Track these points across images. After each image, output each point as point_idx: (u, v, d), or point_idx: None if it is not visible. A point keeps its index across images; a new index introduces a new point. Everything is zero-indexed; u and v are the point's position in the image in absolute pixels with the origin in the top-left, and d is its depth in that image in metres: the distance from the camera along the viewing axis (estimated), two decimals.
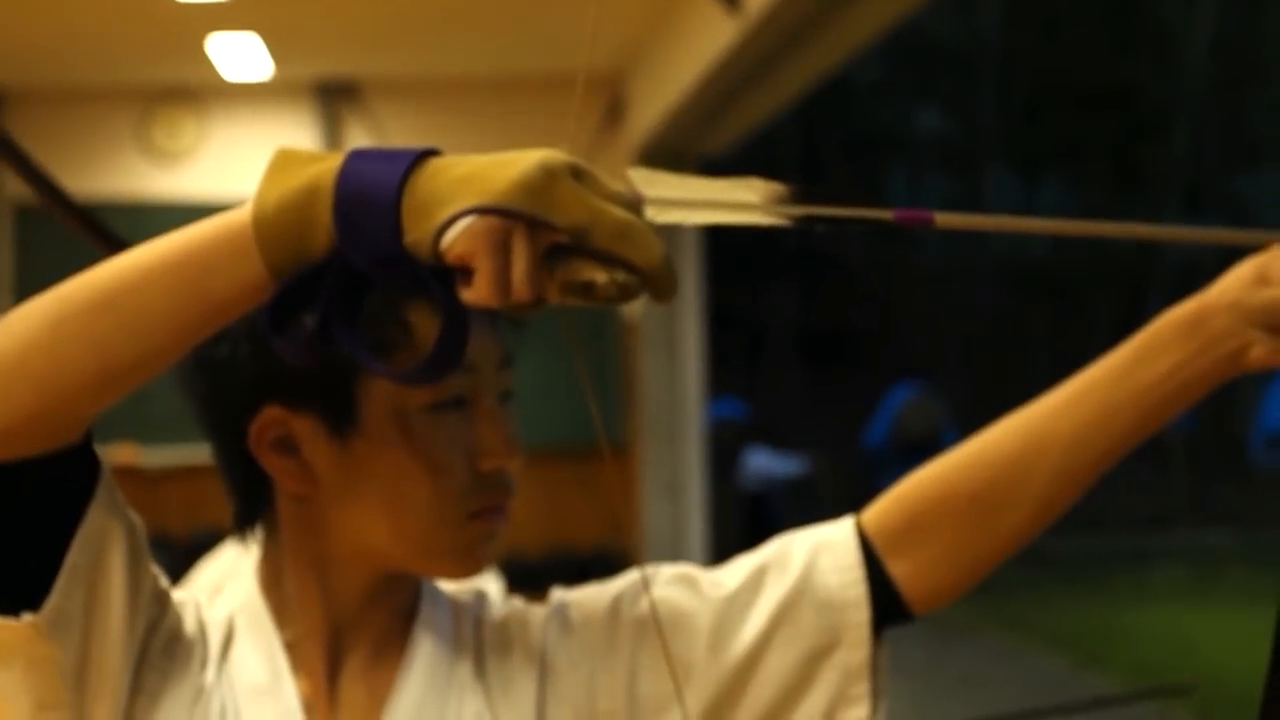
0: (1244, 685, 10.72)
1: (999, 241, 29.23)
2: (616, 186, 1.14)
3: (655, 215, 1.19)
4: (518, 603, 1.59)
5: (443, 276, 1.13)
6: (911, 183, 30.80)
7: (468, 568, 1.49)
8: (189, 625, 1.48)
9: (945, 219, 1.23)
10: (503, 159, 1.13)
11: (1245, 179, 28.41)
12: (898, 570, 1.50)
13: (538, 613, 1.56)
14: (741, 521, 16.30)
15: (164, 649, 1.44)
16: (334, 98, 10.30)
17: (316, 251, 1.15)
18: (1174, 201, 27.35)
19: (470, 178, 1.12)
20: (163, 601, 1.44)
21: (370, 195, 1.12)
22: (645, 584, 1.53)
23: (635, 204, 1.16)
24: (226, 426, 1.47)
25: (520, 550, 9.21)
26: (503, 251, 1.10)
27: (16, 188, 9.82)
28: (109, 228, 1.56)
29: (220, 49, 9.18)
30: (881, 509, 1.53)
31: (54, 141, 9.57)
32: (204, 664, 1.47)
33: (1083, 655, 12.12)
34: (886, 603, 1.50)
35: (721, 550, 15.17)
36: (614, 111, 10.41)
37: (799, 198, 1.21)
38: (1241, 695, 10.79)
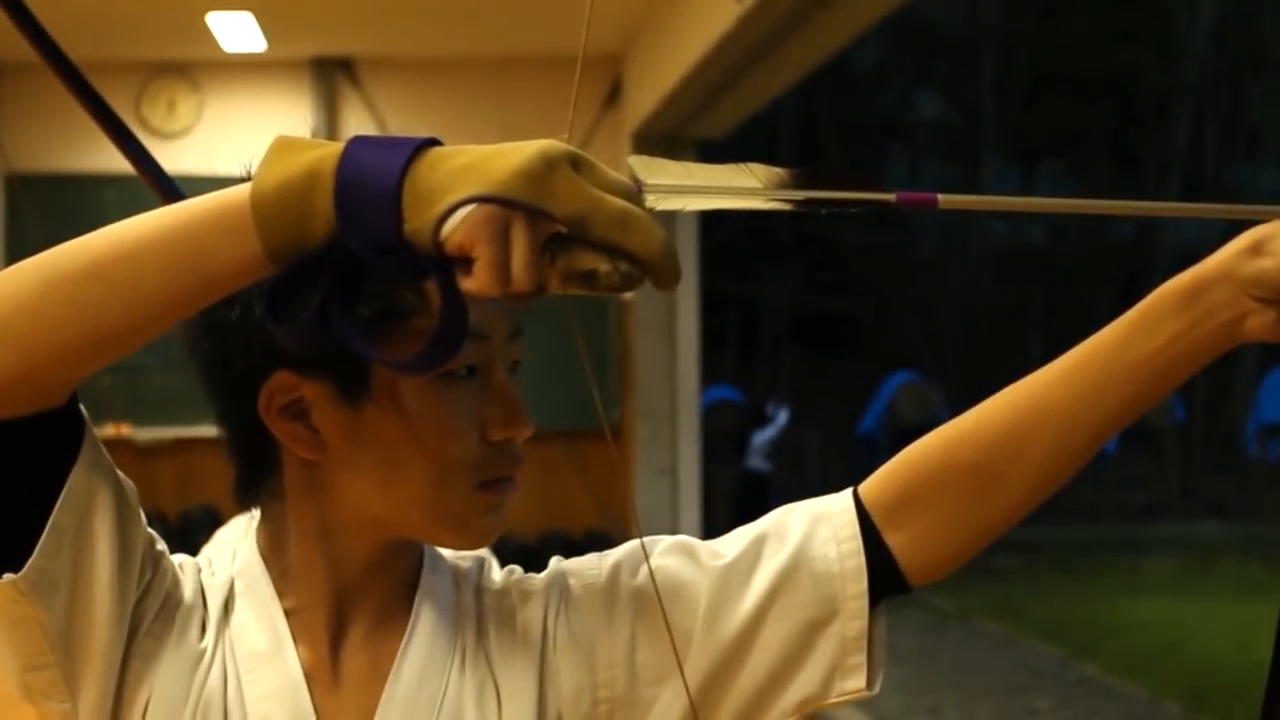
0: (1234, 675, 10.77)
1: (996, 228, 29.27)
2: (616, 175, 1.15)
3: (655, 203, 1.20)
4: (517, 571, 1.58)
5: (442, 266, 1.14)
6: (910, 168, 30.79)
7: (475, 537, 1.47)
8: (187, 590, 1.47)
9: (948, 200, 1.23)
10: (503, 149, 1.14)
11: (1244, 168, 28.44)
12: (895, 541, 1.49)
13: (537, 582, 1.55)
14: (738, 503, 16.36)
15: (160, 613, 1.43)
16: (330, 76, 10.30)
17: (316, 237, 1.16)
18: (1173, 190, 27.36)
19: (470, 167, 1.13)
20: (158, 565, 1.43)
21: (371, 183, 1.13)
22: (645, 554, 1.52)
23: (635, 193, 1.17)
24: (235, 390, 1.45)
25: (514, 532, 9.23)
26: (503, 240, 1.11)
27: (9, 156, 9.84)
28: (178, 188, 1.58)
29: (217, 26, 9.20)
30: (879, 480, 1.52)
31: (52, 115, 9.56)
32: (203, 629, 1.46)
33: (1074, 644, 12.14)
34: (884, 574, 1.49)
35: (716, 534, 15.21)
36: (614, 94, 10.40)
37: (800, 182, 1.22)
38: (1231, 684, 10.83)
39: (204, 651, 1.45)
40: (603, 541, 9.92)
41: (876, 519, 1.49)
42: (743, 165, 1.23)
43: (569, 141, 1.18)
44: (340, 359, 1.37)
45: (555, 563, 1.57)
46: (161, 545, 1.45)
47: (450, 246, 1.12)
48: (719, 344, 25.55)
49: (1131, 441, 19.00)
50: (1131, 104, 27.90)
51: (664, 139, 9.98)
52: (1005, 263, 28.34)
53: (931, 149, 30.24)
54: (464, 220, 1.11)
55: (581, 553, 1.59)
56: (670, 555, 1.52)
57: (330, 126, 10.03)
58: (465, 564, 1.58)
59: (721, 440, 16.42)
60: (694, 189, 1.22)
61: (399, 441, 1.41)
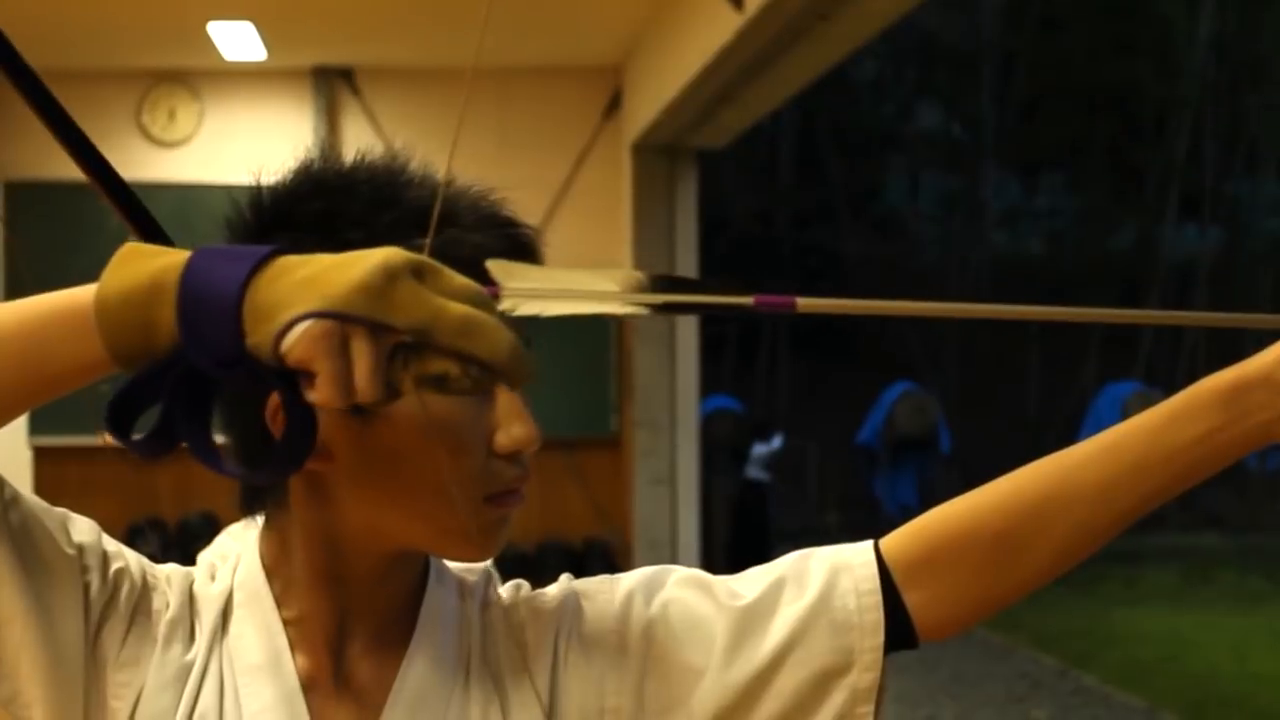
0: (1232, 686, 10.78)
1: (995, 239, 29.28)
2: (464, 280, 1.15)
3: (511, 307, 1.21)
4: (525, 587, 1.58)
5: (286, 378, 1.14)
6: (910, 180, 30.82)
7: (482, 550, 1.47)
8: (172, 601, 1.46)
9: (807, 303, 1.24)
10: (345, 260, 1.14)
11: (1243, 181, 28.46)
12: (913, 599, 1.50)
13: (549, 600, 1.54)
14: (737, 512, 16.38)
15: (133, 629, 1.43)
16: (331, 85, 10.33)
17: (160, 348, 1.16)
18: (1171, 203, 27.39)
19: (311, 280, 1.13)
20: (117, 584, 1.43)
21: (211, 298, 1.14)
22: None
23: (485, 296, 1.17)
24: (243, 398, 1.43)
25: (513, 541, 9.24)
26: (341, 354, 1.12)
27: (9, 165, 9.88)
28: (145, 207, 1.55)
29: (218, 35, 9.24)
30: (903, 538, 1.53)
31: None
32: (191, 641, 1.46)
33: (1072, 654, 12.15)
34: (898, 629, 1.50)
35: (715, 543, 15.32)
36: (615, 104, 10.43)
37: (658, 286, 1.22)
38: (1229, 696, 10.84)
39: (194, 663, 1.45)
40: (602, 550, 9.96)
41: (896, 576, 1.51)
42: (602, 270, 1.24)
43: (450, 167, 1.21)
44: None
45: (565, 581, 1.57)
46: (121, 563, 1.44)
47: (291, 361, 1.12)
48: (718, 353, 25.57)
49: None
50: (1131, 116, 27.94)
51: (664, 149, 10.01)
52: (1004, 274, 28.37)
53: (931, 160, 30.27)
54: (301, 335, 1.11)
55: (581, 561, 1.58)
56: (686, 588, 1.53)
57: (331, 136, 10.07)
58: (471, 578, 1.57)
59: (720, 449, 16.43)
60: (552, 293, 1.23)
61: (406, 454, 1.39)
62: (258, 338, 1.12)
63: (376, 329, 1.11)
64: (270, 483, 1.37)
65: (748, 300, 1.22)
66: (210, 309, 1.13)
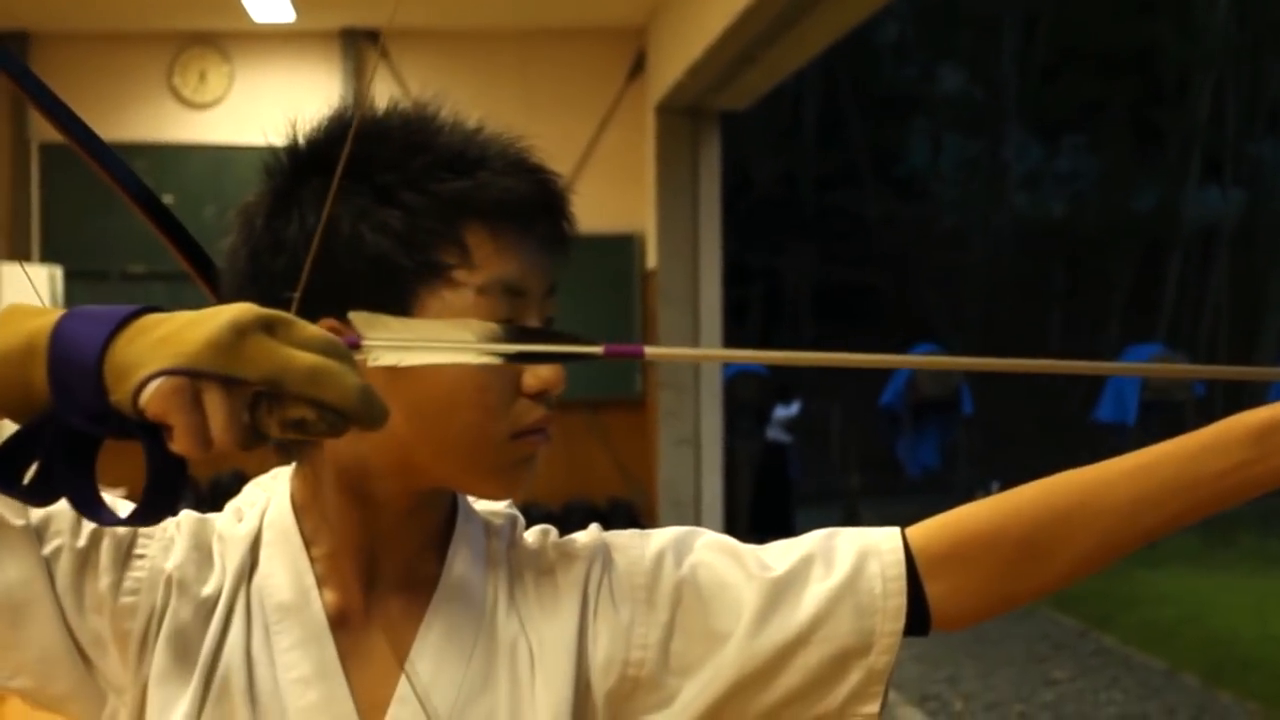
0: (1252, 648, 10.80)
1: (1017, 202, 29.23)
2: (316, 330, 1.19)
3: (370, 358, 1.26)
4: (553, 532, 1.61)
5: (151, 431, 1.18)
6: (932, 142, 30.76)
7: (508, 487, 1.51)
8: (179, 545, 1.51)
9: (654, 352, 1.27)
10: (199, 318, 1.18)
11: (1265, 142, 28.38)
12: (934, 590, 1.54)
13: (579, 547, 1.58)
14: (759, 474, 16.42)
15: (125, 578, 1.48)
16: (358, 47, 10.37)
17: (38, 406, 1.20)
18: (1193, 165, 27.32)
19: (165, 340, 1.17)
20: (96, 539, 1.48)
21: (75, 359, 1.18)
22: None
23: (337, 346, 1.20)
24: None
25: (539, 501, 9.29)
26: (194, 408, 1.15)
27: (43, 127, 9.93)
28: (132, 170, 1.57)
29: None
30: (930, 530, 1.57)
31: (82, 85, 9.65)
32: (209, 581, 1.51)
33: (1093, 615, 12.18)
34: (916, 615, 1.54)
35: (738, 504, 15.32)
36: (639, 66, 10.45)
37: (511, 336, 1.27)
38: (1249, 657, 10.85)
39: (217, 602, 1.50)
40: (626, 510, 9.98)
41: (920, 565, 1.55)
42: (460, 321, 1.29)
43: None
44: (383, 308, 1.36)
45: (595, 530, 1.60)
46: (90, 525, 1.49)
47: (149, 416, 1.16)
48: (742, 316, 25.60)
49: (1151, 414, 18.92)
50: (1153, 78, 27.84)
51: (688, 111, 10.01)
52: (1026, 236, 28.33)
53: (953, 122, 30.22)
54: (154, 392, 1.15)
55: (606, 521, 1.61)
56: (716, 553, 1.56)
57: (358, 97, 10.09)
58: (498, 521, 1.60)
59: (743, 412, 16.46)
60: (411, 343, 1.27)
61: (436, 390, 1.44)
62: (118, 395, 1.16)
63: (228, 382, 1.15)
64: (136, 527, 1.41)
65: (598, 350, 1.26)
66: (74, 369, 1.17)
